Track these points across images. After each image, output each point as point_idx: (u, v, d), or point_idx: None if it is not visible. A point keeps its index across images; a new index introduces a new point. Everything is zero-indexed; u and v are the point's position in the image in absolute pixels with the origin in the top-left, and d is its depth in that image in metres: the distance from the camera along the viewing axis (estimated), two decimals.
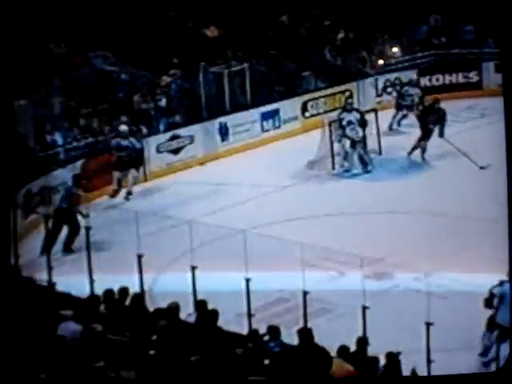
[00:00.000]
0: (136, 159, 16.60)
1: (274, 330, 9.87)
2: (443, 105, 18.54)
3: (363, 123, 17.35)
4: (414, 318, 10.69)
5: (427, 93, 20.04)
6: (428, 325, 10.40)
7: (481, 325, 10.96)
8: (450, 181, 16.46)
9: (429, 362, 10.35)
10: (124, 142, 16.40)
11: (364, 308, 10.73)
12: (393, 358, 9.71)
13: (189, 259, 11.45)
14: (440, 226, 14.59)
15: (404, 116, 19.40)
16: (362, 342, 9.98)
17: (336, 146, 17.42)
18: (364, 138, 17.30)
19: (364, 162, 17.21)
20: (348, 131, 17.18)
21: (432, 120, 17.55)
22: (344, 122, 17.21)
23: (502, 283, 10.73)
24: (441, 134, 17.47)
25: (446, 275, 12.33)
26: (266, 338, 9.83)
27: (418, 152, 17.75)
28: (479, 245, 13.66)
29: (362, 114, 17.71)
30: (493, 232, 14.30)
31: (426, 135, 17.54)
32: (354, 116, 17.36)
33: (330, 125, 17.64)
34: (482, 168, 16.64)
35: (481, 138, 17.53)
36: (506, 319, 10.52)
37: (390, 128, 19.37)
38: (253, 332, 10.01)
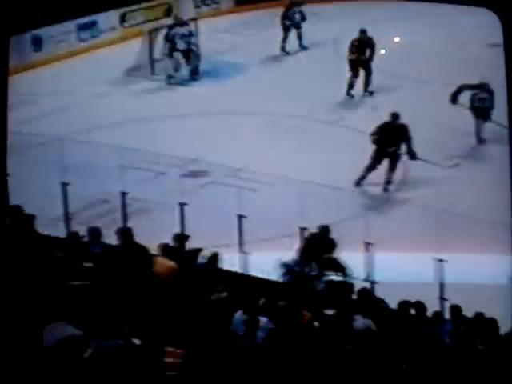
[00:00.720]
0: None
1: (94, 232, 9.52)
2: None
3: (191, 33, 17.37)
4: (228, 212, 10.76)
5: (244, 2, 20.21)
6: (240, 217, 10.49)
7: (295, 213, 11.00)
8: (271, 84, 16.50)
9: (243, 253, 10.49)
10: None
11: (181, 204, 10.68)
12: (213, 257, 9.69)
13: None
14: (255, 124, 14.64)
15: (300, 35, 18.74)
16: (181, 237, 9.85)
17: (158, 54, 17.19)
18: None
19: (194, 70, 17.10)
20: (182, 43, 17.05)
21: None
22: (177, 37, 17.07)
23: None
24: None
25: (258, 171, 12.35)
26: (86, 239, 9.53)
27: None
28: (290, 142, 13.85)
29: (188, 24, 17.62)
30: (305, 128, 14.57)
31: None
32: (185, 29, 17.38)
33: (150, 33, 17.46)
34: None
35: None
36: None
37: (283, 50, 18.65)
38: (72, 234, 9.65)
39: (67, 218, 10.65)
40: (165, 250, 9.32)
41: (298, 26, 18.74)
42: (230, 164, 12.46)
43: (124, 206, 10.78)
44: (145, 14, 20.01)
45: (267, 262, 10.48)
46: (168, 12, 19.70)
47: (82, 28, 18.84)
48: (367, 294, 8.27)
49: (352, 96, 15.90)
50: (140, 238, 9.51)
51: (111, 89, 16.53)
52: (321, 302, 8.20)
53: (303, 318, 7.61)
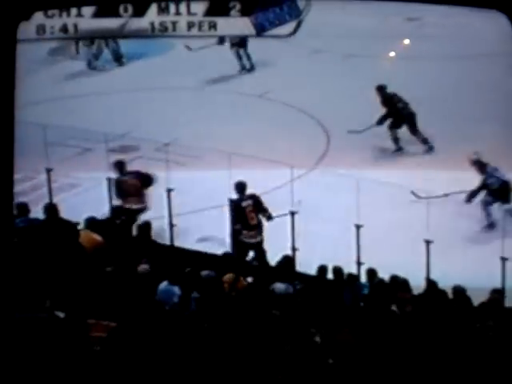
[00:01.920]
0: None
1: (21, 207, 9.35)
2: None
3: None
4: (157, 186, 10.69)
5: None
6: (169, 191, 10.46)
7: (224, 185, 10.96)
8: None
9: (171, 226, 10.45)
10: None
11: (109, 180, 10.58)
12: (145, 225, 9.63)
13: None
14: (182, 99, 14.49)
15: None
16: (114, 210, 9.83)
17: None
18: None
19: (118, 57, 16.59)
20: None
21: None
22: None
23: None
24: None
25: (187, 145, 12.28)
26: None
27: None
28: (217, 115, 13.75)
29: None
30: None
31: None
32: None
33: None
34: None
35: None
36: None
37: None
38: None
39: None
40: (91, 223, 9.24)
41: None
42: (158, 138, 12.34)
43: (49, 182, 10.63)
44: None
45: (196, 233, 10.56)
46: None
47: None
48: (289, 260, 8.33)
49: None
50: (67, 213, 9.41)
51: (35, 67, 16.11)
52: (243, 270, 8.22)
53: (239, 285, 7.68)
